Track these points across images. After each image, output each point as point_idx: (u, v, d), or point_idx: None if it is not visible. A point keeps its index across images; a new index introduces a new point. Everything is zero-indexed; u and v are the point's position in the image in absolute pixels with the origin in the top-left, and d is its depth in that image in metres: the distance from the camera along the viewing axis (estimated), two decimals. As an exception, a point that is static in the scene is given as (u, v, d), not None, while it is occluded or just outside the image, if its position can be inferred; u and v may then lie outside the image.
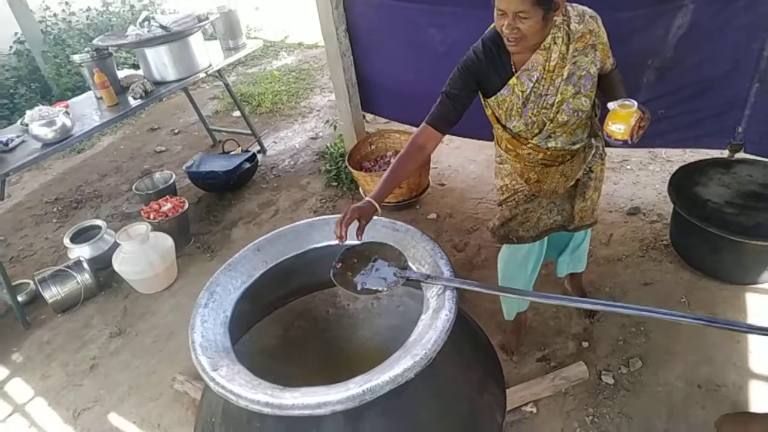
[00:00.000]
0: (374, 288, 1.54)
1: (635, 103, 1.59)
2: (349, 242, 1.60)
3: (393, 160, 3.54)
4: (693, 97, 2.54)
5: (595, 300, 1.10)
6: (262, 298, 1.84)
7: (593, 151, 1.95)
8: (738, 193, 2.53)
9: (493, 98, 1.78)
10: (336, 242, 1.64)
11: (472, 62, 1.74)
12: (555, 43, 1.65)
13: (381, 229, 1.75)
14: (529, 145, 1.83)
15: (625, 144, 1.62)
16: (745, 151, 2.65)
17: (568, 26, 1.65)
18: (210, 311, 1.57)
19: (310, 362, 2.01)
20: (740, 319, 2.37)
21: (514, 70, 1.71)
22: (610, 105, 1.61)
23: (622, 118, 1.58)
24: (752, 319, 2.36)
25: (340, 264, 1.61)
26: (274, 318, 1.99)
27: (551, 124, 1.76)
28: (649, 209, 3.09)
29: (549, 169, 1.90)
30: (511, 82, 1.71)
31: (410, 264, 1.61)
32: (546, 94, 1.70)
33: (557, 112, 1.73)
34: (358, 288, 1.54)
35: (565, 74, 1.66)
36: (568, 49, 1.65)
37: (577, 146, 1.86)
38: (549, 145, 1.82)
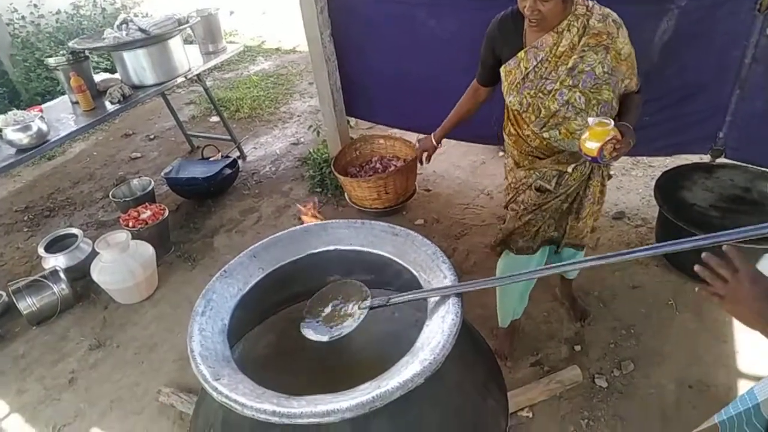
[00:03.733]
0: (342, 332, 1.53)
1: (611, 122, 1.59)
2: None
3: (390, 162, 3.55)
4: (677, 104, 2.59)
5: (585, 259, 1.14)
6: (257, 305, 1.79)
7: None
8: (721, 197, 2.59)
9: (503, 67, 1.84)
10: (333, 247, 1.72)
11: (491, 31, 1.88)
12: (569, 30, 1.69)
13: (380, 234, 1.73)
14: (530, 129, 1.86)
15: (594, 161, 1.64)
16: (726, 157, 2.72)
17: (588, 21, 1.69)
18: (207, 319, 1.51)
19: (305, 372, 1.97)
20: (726, 320, 2.42)
21: (524, 44, 1.78)
22: (590, 120, 1.63)
23: (595, 135, 1.59)
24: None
25: (308, 315, 1.61)
26: (266, 326, 1.94)
27: (545, 112, 1.78)
28: (633, 213, 3.14)
29: (542, 160, 1.92)
30: (519, 54, 1.77)
31: (414, 271, 1.59)
32: (546, 78, 1.74)
33: (551, 101, 1.76)
34: (329, 338, 1.53)
35: (570, 64, 1.70)
36: (579, 41, 1.69)
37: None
38: (545, 134, 1.84)
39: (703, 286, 1.08)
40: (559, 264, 1.34)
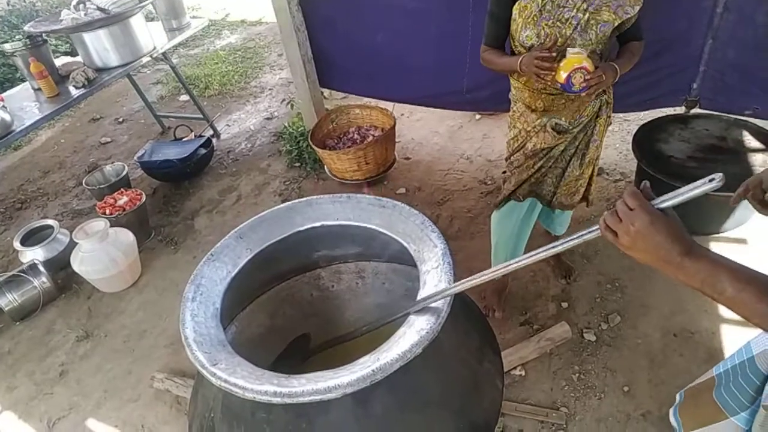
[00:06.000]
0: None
1: (583, 52, 1.68)
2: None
3: (368, 132, 3.51)
4: (650, 58, 2.58)
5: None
6: (247, 286, 1.78)
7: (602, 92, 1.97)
8: (697, 148, 2.63)
9: (517, 5, 1.82)
10: (319, 223, 1.71)
11: None
12: None
13: (367, 207, 1.71)
14: None
15: (564, 88, 1.71)
16: (700, 107, 2.75)
17: None
18: (199, 305, 1.50)
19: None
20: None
21: None
22: (568, 50, 1.71)
23: (567, 63, 1.68)
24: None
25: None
26: (257, 306, 1.93)
27: (561, 40, 1.79)
28: (611, 168, 3.17)
29: (554, 97, 1.93)
30: None
31: (403, 242, 1.59)
32: (564, 7, 1.75)
33: (569, 27, 1.77)
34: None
35: None
36: None
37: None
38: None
39: (603, 222, 0.96)
40: (542, 249, 1.24)
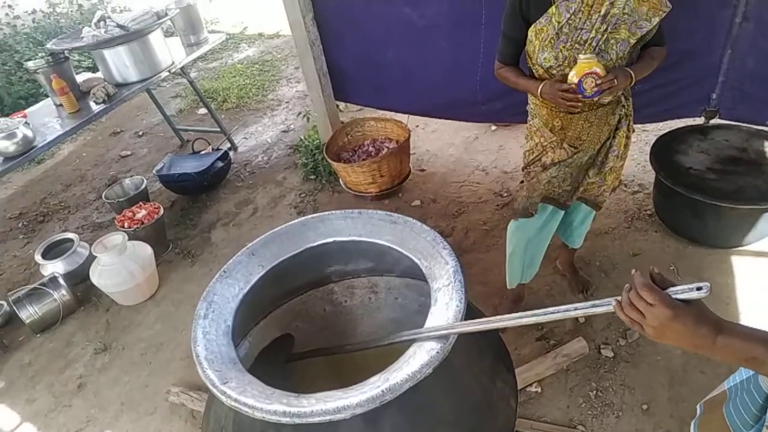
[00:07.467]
0: None
1: (593, 57, 1.69)
2: None
3: (383, 145, 3.52)
4: (669, 69, 2.54)
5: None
6: (259, 302, 1.78)
7: (621, 103, 1.94)
8: (717, 159, 2.57)
9: (533, 27, 1.80)
10: (331, 239, 1.72)
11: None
12: None
13: (378, 223, 1.71)
14: None
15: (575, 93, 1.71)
16: (720, 117, 2.70)
17: None
18: (210, 322, 1.51)
19: (313, 363, 1.97)
20: (728, 282, 2.42)
21: (553, 0, 1.76)
22: (579, 56, 1.71)
23: (578, 68, 1.69)
24: (739, 280, 2.42)
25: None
26: (270, 321, 1.94)
27: None
28: (630, 180, 3.13)
29: (573, 116, 1.91)
30: (550, 10, 1.75)
31: (414, 258, 1.58)
32: (581, 29, 1.73)
33: (588, 49, 1.75)
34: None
35: (602, 11, 1.69)
36: None
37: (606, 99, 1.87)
38: None
39: (619, 309, 0.97)
40: (557, 309, 1.18)
